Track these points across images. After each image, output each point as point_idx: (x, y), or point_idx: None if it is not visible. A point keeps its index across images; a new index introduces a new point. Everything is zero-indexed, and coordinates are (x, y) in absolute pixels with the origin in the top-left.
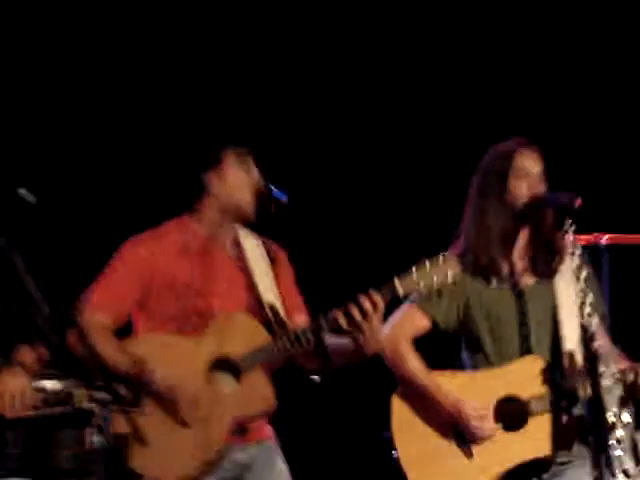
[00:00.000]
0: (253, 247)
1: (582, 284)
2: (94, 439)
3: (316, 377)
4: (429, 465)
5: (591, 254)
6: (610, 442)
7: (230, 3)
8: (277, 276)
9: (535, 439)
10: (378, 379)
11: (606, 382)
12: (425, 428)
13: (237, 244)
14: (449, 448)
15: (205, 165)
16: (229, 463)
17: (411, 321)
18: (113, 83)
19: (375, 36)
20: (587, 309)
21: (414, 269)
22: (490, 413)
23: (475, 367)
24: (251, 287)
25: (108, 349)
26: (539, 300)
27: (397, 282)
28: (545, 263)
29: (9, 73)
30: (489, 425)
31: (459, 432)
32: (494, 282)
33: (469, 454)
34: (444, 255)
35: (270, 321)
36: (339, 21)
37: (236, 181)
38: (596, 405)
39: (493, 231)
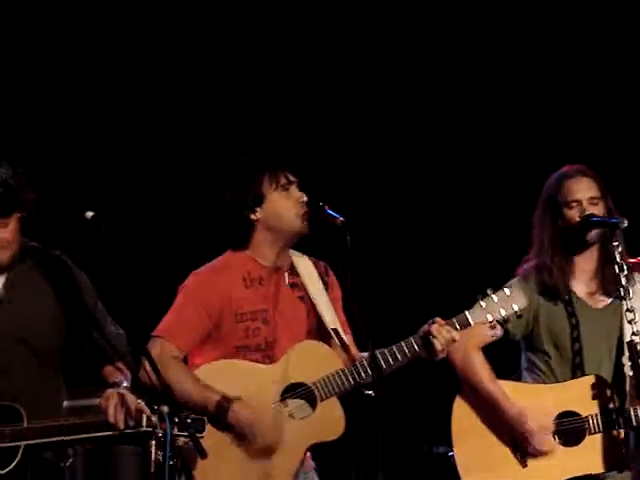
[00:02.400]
0: (309, 273)
1: (629, 303)
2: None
3: (370, 392)
4: (483, 470)
5: None
6: None
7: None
8: (330, 299)
9: (589, 456)
10: (432, 393)
11: None
12: (484, 433)
13: (294, 272)
14: (505, 456)
15: (250, 204)
16: None
17: (482, 328)
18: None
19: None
20: (635, 326)
21: (482, 302)
22: (550, 429)
23: (537, 379)
24: (312, 314)
25: (187, 384)
26: (605, 321)
27: (468, 314)
28: (613, 284)
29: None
30: (548, 441)
31: (517, 442)
32: (557, 301)
33: (524, 464)
34: (510, 287)
35: (336, 347)
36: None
37: (280, 210)
38: None
39: (552, 256)
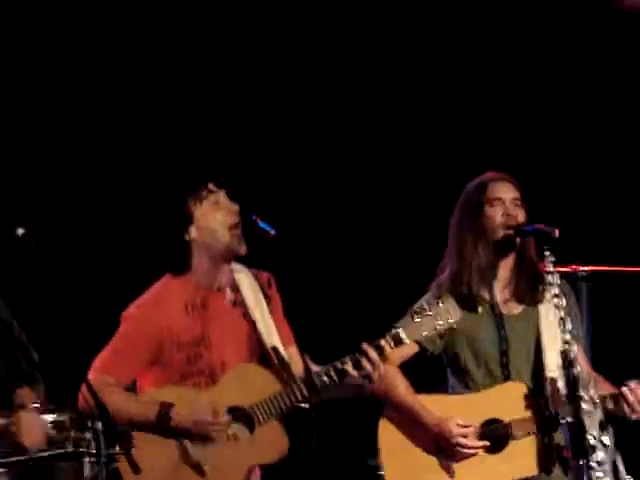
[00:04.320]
0: (249, 287)
1: (561, 312)
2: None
3: (305, 405)
4: None
5: (571, 284)
6: (591, 464)
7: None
8: (272, 312)
9: (516, 461)
10: (363, 405)
11: (586, 406)
12: (410, 448)
13: (235, 288)
14: (433, 466)
15: (182, 225)
16: None
17: (398, 347)
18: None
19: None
20: (567, 336)
21: (416, 316)
22: (473, 433)
23: (460, 390)
24: (254, 332)
25: (125, 403)
26: (522, 328)
27: (401, 331)
28: (529, 291)
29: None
30: (471, 443)
31: (442, 450)
32: (477, 310)
33: (451, 472)
34: (443, 300)
35: (274, 364)
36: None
37: (210, 223)
38: (577, 428)
39: (472, 263)
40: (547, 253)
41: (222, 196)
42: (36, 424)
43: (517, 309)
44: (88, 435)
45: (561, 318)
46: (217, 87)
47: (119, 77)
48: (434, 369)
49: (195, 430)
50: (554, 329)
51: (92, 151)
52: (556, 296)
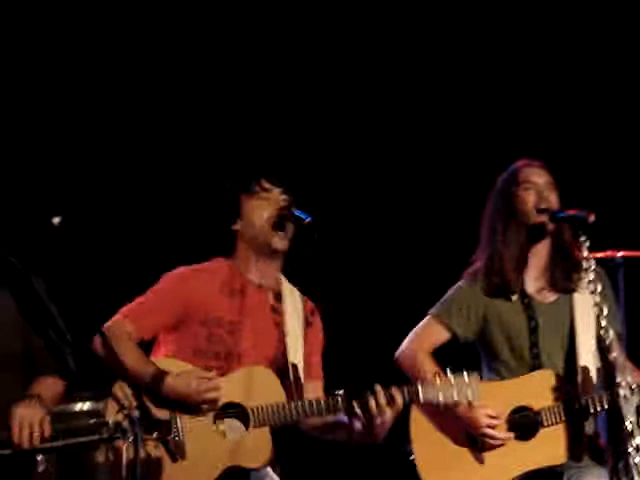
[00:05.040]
0: (294, 306)
1: (597, 297)
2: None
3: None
4: (443, 470)
5: (607, 270)
6: (629, 450)
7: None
8: (307, 339)
9: (545, 449)
10: None
11: (623, 392)
12: (441, 435)
13: (279, 298)
14: (463, 454)
15: (230, 218)
16: None
17: (430, 333)
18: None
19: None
20: (603, 321)
21: (438, 380)
22: (502, 421)
23: (492, 377)
24: (281, 343)
25: (131, 357)
26: (555, 316)
27: (420, 388)
28: (564, 280)
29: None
30: (500, 432)
31: (472, 438)
32: (510, 298)
33: (481, 460)
34: (469, 372)
35: (289, 381)
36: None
37: (254, 219)
38: (614, 414)
39: (505, 250)
40: (582, 238)
41: (275, 194)
42: (27, 419)
43: (551, 297)
44: (125, 422)
45: (596, 304)
46: (280, 86)
47: (178, 62)
48: (467, 356)
49: (186, 392)
50: (588, 317)
51: (146, 140)
52: (591, 282)
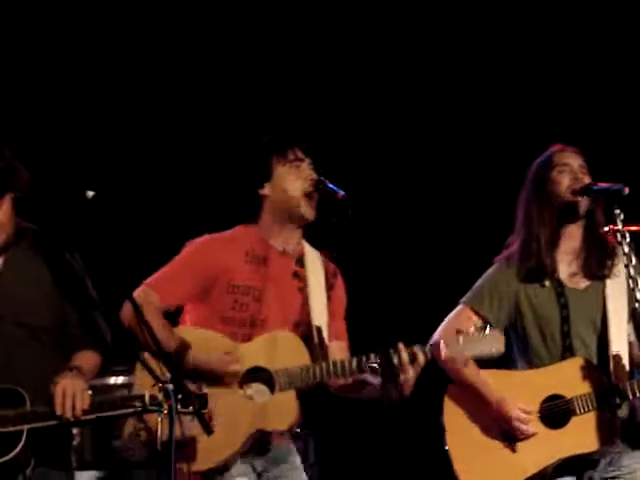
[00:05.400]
0: (315, 268)
1: (631, 271)
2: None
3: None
4: (475, 458)
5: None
6: None
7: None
8: (330, 300)
9: (578, 437)
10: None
11: None
12: (473, 423)
13: (301, 263)
14: (495, 443)
15: (259, 181)
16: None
17: (461, 321)
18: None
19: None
20: (638, 294)
21: (461, 337)
22: (533, 413)
23: (524, 364)
24: (305, 307)
25: (159, 326)
26: (587, 303)
27: (443, 345)
28: (598, 267)
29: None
30: (531, 425)
31: (505, 431)
32: (544, 284)
33: (513, 449)
34: (492, 327)
35: (314, 343)
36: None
37: (287, 185)
38: None
39: (539, 234)
40: (617, 211)
41: (306, 163)
42: (69, 390)
43: (583, 283)
44: (160, 395)
45: (631, 276)
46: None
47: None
48: None
49: (209, 367)
50: (621, 304)
51: (168, 102)
52: (626, 254)
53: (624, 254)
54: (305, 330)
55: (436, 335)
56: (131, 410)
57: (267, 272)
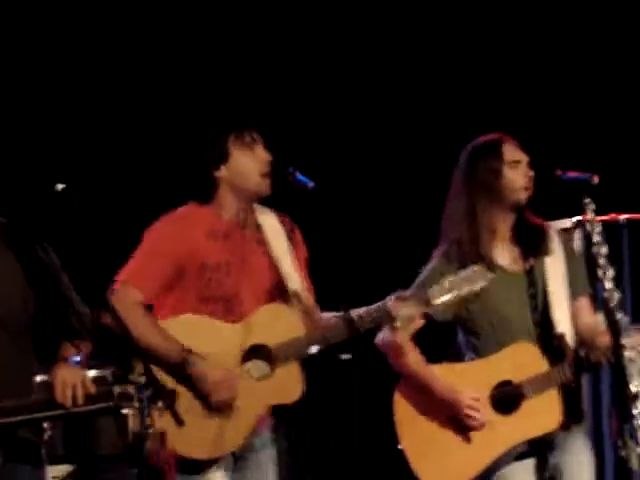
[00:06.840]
0: (274, 230)
1: (601, 261)
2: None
3: (345, 355)
4: (431, 453)
5: (609, 233)
6: (634, 412)
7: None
8: (293, 256)
9: (531, 420)
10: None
11: (629, 354)
12: (426, 418)
13: (258, 228)
14: (449, 436)
15: (215, 161)
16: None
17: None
18: (123, 86)
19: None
20: (608, 283)
21: (445, 281)
22: (484, 400)
23: (472, 355)
24: (275, 272)
25: (149, 331)
26: (528, 285)
27: (429, 290)
28: (533, 246)
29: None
30: (482, 413)
31: (456, 420)
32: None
33: (467, 439)
34: (476, 265)
35: (295, 308)
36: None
37: (245, 169)
38: (619, 376)
39: (483, 225)
40: (587, 201)
41: (260, 145)
42: (69, 380)
43: (522, 266)
44: (131, 390)
45: (600, 266)
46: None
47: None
48: (441, 336)
49: (205, 387)
50: (561, 283)
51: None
52: (596, 244)
53: (594, 244)
54: (278, 294)
55: (383, 334)
56: (104, 405)
57: (231, 246)
